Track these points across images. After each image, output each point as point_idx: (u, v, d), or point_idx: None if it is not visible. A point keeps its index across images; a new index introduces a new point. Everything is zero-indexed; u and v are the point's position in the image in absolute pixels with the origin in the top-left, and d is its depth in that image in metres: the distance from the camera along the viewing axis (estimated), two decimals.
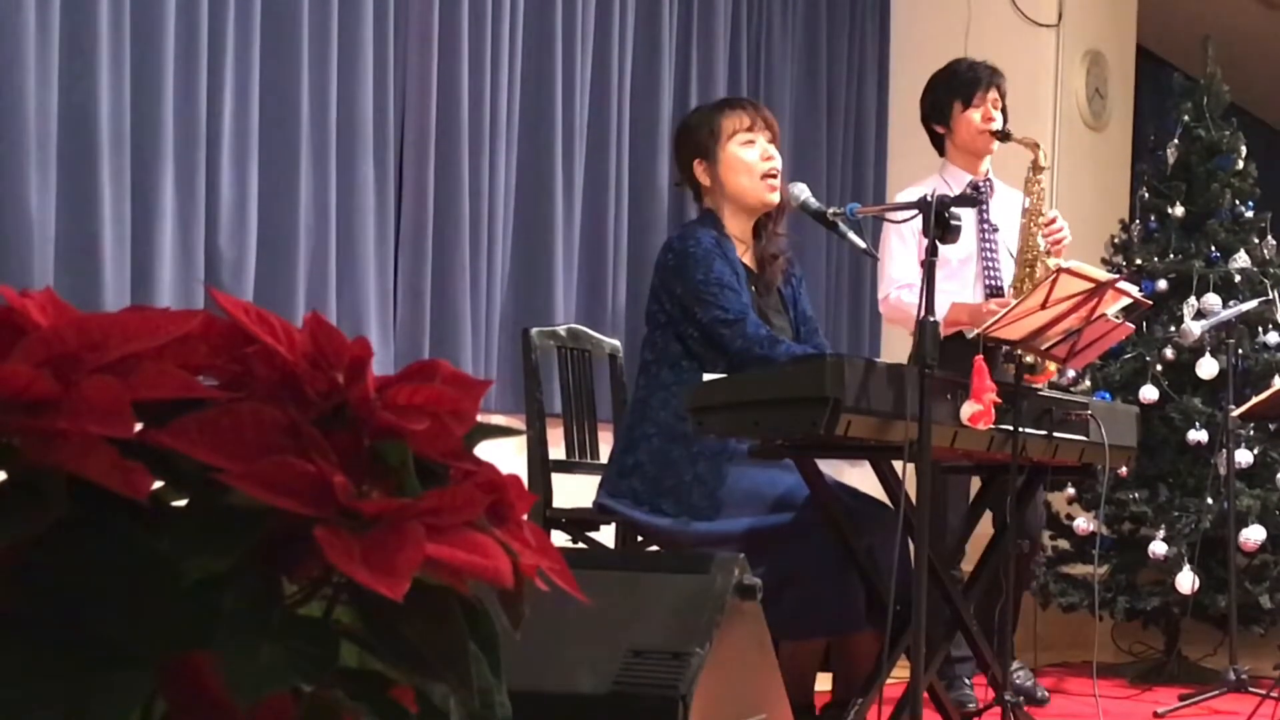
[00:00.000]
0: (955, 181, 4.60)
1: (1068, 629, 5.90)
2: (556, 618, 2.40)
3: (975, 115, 4.59)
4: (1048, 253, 4.33)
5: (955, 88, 4.63)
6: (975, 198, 3.37)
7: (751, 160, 3.73)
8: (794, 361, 3.37)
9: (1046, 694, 4.81)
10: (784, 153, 3.89)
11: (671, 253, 3.69)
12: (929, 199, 3.22)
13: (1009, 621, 4.02)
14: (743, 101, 3.88)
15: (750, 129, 3.75)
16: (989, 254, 4.56)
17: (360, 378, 1.08)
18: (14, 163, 3.77)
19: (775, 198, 3.74)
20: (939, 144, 4.74)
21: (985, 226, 4.58)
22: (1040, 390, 3.78)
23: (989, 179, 4.67)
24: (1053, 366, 4.18)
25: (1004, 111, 4.66)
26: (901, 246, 4.53)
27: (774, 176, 3.73)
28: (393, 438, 1.07)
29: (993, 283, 4.54)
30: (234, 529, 1.01)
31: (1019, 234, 4.44)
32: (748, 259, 3.77)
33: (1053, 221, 4.38)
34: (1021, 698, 4.08)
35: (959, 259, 4.54)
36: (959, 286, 4.54)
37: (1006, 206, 4.63)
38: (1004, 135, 4.54)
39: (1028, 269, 4.33)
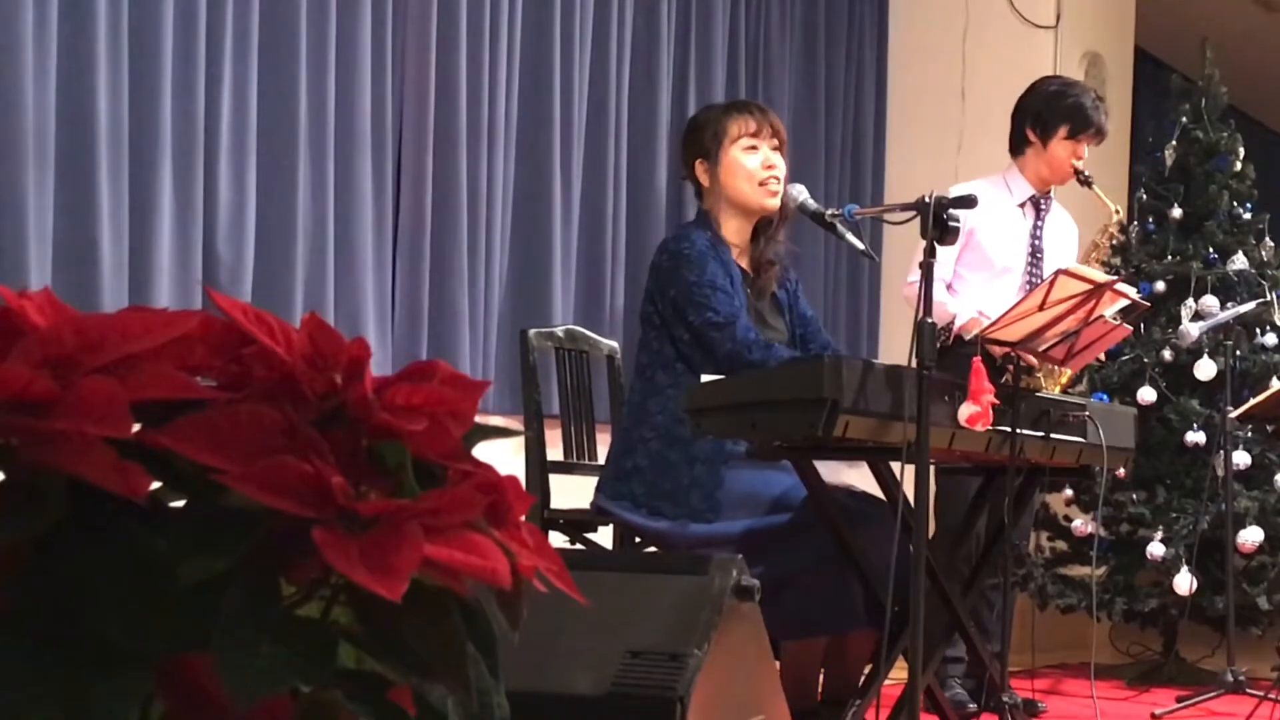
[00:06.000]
0: (1016, 187, 4.67)
1: (1065, 630, 5.90)
2: (555, 619, 2.40)
3: (1073, 148, 4.61)
4: None
5: (1070, 114, 4.62)
6: (972, 199, 3.35)
7: (752, 167, 3.69)
8: (792, 362, 3.37)
9: (1043, 705, 4.79)
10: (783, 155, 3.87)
11: (666, 254, 3.67)
12: (927, 200, 3.22)
13: (1008, 621, 4.02)
14: (751, 106, 3.81)
15: (755, 134, 3.71)
16: (1035, 269, 4.61)
17: (358, 378, 1.08)
18: (12, 163, 3.77)
19: (774, 204, 3.70)
20: (1018, 145, 4.71)
21: (1036, 241, 4.66)
22: (1038, 393, 3.78)
23: (1049, 195, 4.72)
24: (1064, 380, 4.20)
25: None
26: None
27: (774, 183, 3.71)
28: (391, 438, 1.07)
29: None
30: (232, 530, 1.01)
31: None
32: (744, 263, 3.75)
33: None
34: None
35: (1002, 265, 4.59)
36: (1001, 289, 4.55)
37: (1059, 228, 4.72)
38: (1087, 181, 4.56)
39: None
